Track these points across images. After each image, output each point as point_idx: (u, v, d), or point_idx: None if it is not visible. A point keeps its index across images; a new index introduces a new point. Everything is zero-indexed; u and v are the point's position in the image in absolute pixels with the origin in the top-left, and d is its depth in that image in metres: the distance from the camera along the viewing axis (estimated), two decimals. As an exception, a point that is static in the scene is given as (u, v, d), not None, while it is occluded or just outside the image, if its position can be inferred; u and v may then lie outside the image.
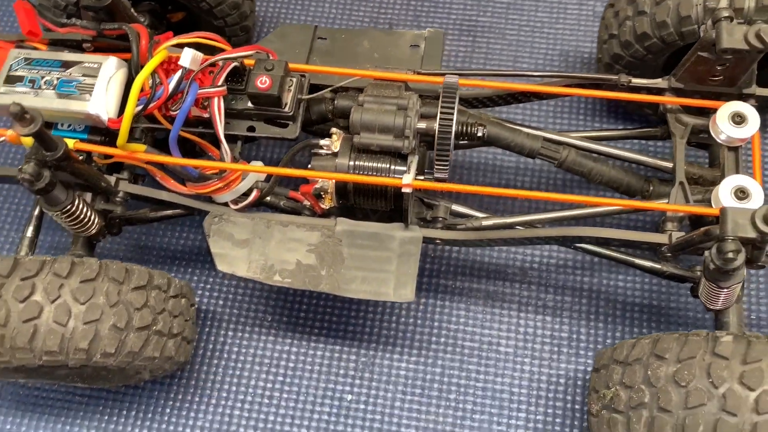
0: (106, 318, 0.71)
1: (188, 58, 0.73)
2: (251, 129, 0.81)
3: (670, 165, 0.80)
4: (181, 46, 0.76)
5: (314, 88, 0.82)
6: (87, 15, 0.79)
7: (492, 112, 0.98)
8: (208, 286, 0.97)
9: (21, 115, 0.63)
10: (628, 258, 0.80)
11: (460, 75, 0.81)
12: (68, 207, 0.74)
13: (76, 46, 0.83)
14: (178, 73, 0.73)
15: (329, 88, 0.82)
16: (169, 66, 0.76)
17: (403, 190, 0.73)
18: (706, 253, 0.67)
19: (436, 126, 0.73)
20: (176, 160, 0.75)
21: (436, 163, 0.73)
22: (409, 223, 0.78)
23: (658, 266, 0.80)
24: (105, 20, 0.79)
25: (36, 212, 0.84)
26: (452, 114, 0.72)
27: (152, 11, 0.95)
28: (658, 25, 0.83)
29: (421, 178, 0.77)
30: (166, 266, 0.98)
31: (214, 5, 0.93)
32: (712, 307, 0.74)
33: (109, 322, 0.71)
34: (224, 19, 0.96)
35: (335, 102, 0.83)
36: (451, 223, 0.81)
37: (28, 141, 0.71)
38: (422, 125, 0.74)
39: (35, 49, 0.84)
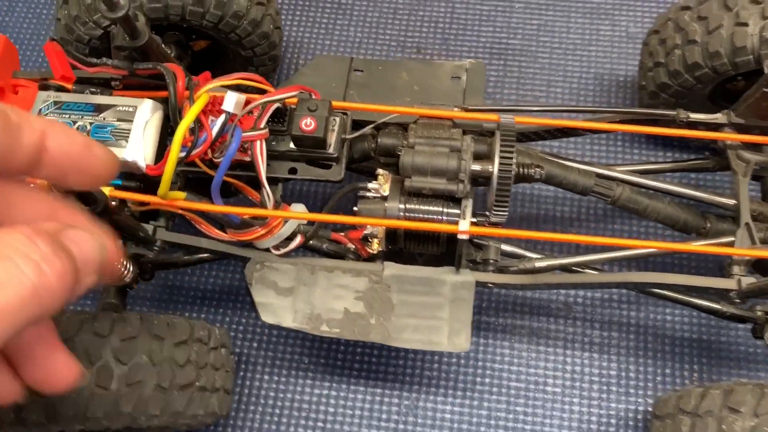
0: (150, 378, 0.68)
1: (232, 102, 0.69)
2: (293, 171, 0.77)
3: (730, 202, 0.77)
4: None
5: (355, 124, 0.79)
6: (118, 54, 0.75)
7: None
8: (241, 327, 0.94)
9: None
10: (688, 299, 0.77)
11: (509, 111, 0.78)
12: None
13: (104, 84, 0.79)
14: (222, 118, 0.69)
15: (372, 125, 0.78)
16: (208, 108, 0.72)
17: (459, 236, 0.70)
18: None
19: (494, 169, 0.69)
20: (219, 208, 0.71)
21: (495, 207, 0.70)
22: (460, 267, 0.75)
23: (717, 306, 0.77)
24: (137, 59, 0.75)
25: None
26: (512, 157, 0.68)
27: (178, 42, 0.91)
28: (711, 55, 0.80)
29: (474, 220, 0.73)
30: (196, 307, 0.94)
31: (243, 36, 0.89)
32: (778, 351, 0.72)
33: (152, 383, 0.68)
34: (253, 49, 0.92)
35: (378, 139, 0.79)
36: (503, 265, 0.78)
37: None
38: (477, 167, 0.71)
39: (62, 88, 0.79)
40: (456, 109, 0.78)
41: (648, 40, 0.91)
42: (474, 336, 0.92)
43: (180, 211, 0.74)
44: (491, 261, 0.78)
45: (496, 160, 0.69)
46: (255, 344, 0.92)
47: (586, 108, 0.77)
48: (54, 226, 0.35)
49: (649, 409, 0.87)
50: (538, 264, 0.78)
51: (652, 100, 0.90)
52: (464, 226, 0.69)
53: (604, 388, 0.89)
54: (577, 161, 0.81)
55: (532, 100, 1.04)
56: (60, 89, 0.80)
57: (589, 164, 0.82)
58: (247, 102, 0.71)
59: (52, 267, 0.33)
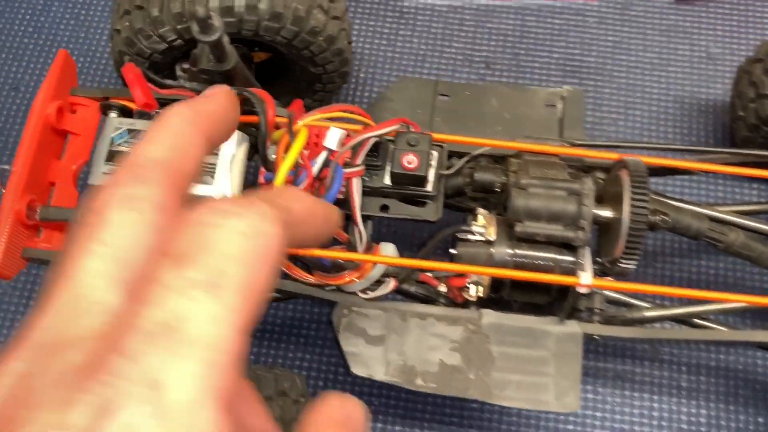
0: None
1: (335, 139, 0.62)
2: (385, 208, 0.70)
3: None
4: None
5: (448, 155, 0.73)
6: (198, 76, 0.68)
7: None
8: (305, 364, 0.87)
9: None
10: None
11: (613, 148, 0.72)
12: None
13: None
14: (323, 156, 0.62)
15: (467, 159, 0.72)
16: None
17: (579, 290, 0.64)
18: None
19: (624, 215, 0.63)
20: (314, 251, 0.65)
21: (624, 258, 0.64)
22: (569, 315, 0.69)
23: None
24: (217, 81, 0.68)
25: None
26: (646, 203, 0.62)
27: (243, 56, 0.84)
28: (831, 89, 0.74)
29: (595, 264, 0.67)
30: (256, 341, 0.88)
31: (317, 53, 0.82)
32: None
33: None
34: (324, 66, 0.85)
35: (474, 175, 0.73)
36: (610, 315, 0.72)
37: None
38: (602, 213, 0.65)
39: (126, 109, 0.72)
40: (563, 143, 0.71)
41: (748, 68, 0.85)
42: (554, 378, 0.86)
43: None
44: (596, 310, 0.72)
45: (627, 206, 0.63)
46: (321, 383, 0.86)
47: (696, 148, 0.71)
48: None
49: (743, 460, 0.82)
50: (648, 314, 0.72)
51: (750, 133, 0.84)
52: (586, 279, 0.63)
53: (694, 437, 0.84)
54: (685, 201, 0.75)
55: (611, 122, 0.98)
56: (124, 111, 0.73)
57: (694, 203, 0.76)
58: (349, 141, 0.65)
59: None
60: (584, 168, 0.74)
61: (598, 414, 0.85)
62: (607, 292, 0.74)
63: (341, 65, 0.86)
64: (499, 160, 0.75)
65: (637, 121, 0.99)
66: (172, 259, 0.24)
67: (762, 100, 0.81)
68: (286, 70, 0.90)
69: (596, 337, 0.71)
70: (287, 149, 0.63)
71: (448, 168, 0.71)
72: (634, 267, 0.64)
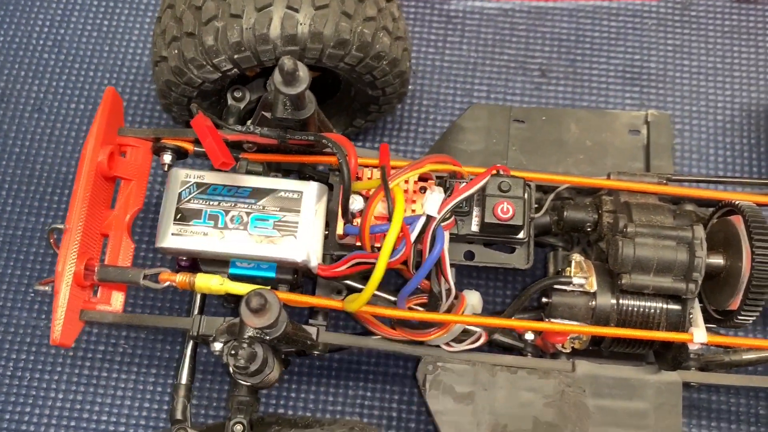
0: None
1: (436, 205, 0.57)
2: (470, 255, 0.65)
3: None
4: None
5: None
6: (270, 122, 0.62)
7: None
8: (375, 413, 0.83)
9: (262, 307, 0.47)
10: None
11: (729, 183, 0.67)
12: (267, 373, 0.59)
13: (234, 146, 0.66)
14: (421, 221, 0.57)
15: (553, 196, 0.67)
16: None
17: (692, 347, 0.60)
18: None
19: (744, 268, 0.58)
20: (405, 314, 0.60)
21: (743, 311, 0.59)
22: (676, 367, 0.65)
23: None
24: (293, 128, 0.61)
25: (189, 350, 0.67)
26: None
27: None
28: None
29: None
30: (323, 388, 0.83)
31: (380, 76, 0.75)
32: None
33: None
34: (384, 89, 0.78)
35: (564, 213, 0.68)
36: (707, 360, 0.68)
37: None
38: (714, 261, 0.60)
39: (182, 150, 0.66)
40: (660, 180, 0.66)
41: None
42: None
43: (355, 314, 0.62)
44: (693, 355, 0.68)
45: (747, 258, 0.58)
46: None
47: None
48: None
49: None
50: (747, 356, 0.68)
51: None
52: (700, 337, 0.59)
53: (774, 467, 0.81)
54: None
55: (675, 134, 0.93)
56: (179, 152, 0.67)
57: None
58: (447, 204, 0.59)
59: None
60: (674, 201, 0.69)
61: (676, 447, 0.82)
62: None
63: (401, 86, 0.80)
64: (582, 193, 0.70)
65: (702, 132, 0.94)
66: None
67: None
68: (339, 90, 0.84)
69: (694, 385, 0.68)
70: (374, 201, 0.58)
71: (538, 207, 0.66)
72: (752, 320, 0.60)
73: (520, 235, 0.63)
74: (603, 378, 0.66)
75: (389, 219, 0.57)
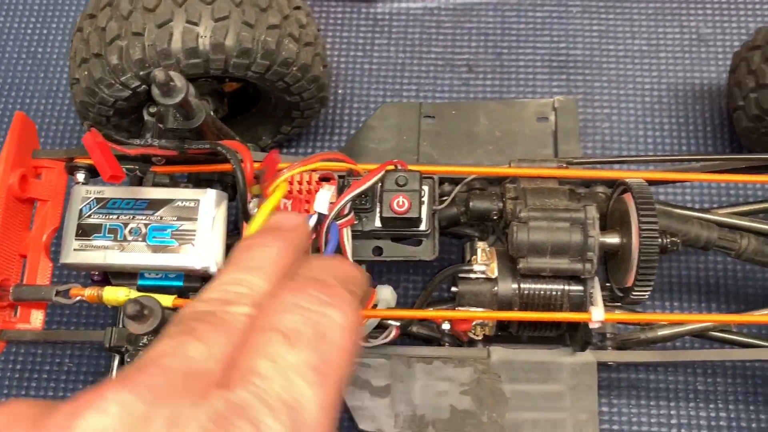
0: None
1: (325, 203, 0.58)
2: (378, 251, 0.67)
3: None
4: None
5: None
6: (165, 134, 0.63)
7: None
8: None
9: (139, 314, 0.48)
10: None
11: (626, 163, 0.68)
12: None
13: (144, 160, 0.67)
14: (312, 220, 0.58)
15: (459, 188, 0.68)
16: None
17: (592, 326, 0.61)
18: None
19: (633, 242, 0.59)
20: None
21: (637, 287, 0.60)
22: (584, 348, 0.66)
23: None
24: (189, 138, 0.63)
25: (116, 363, 0.69)
26: (656, 229, 0.59)
27: (212, 92, 0.79)
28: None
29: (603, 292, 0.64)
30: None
31: (292, 83, 0.77)
32: None
33: None
34: (301, 94, 0.80)
35: (470, 203, 0.69)
36: (624, 338, 0.69)
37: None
38: (612, 240, 0.61)
39: (92, 166, 0.68)
40: (560, 164, 0.67)
41: (746, 55, 0.81)
42: (568, 394, 0.83)
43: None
44: (609, 335, 0.69)
45: (635, 234, 0.59)
46: None
47: (702, 157, 0.68)
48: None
49: (767, 462, 0.80)
50: (662, 333, 0.69)
51: (752, 123, 0.81)
52: (598, 315, 0.60)
53: (716, 442, 0.82)
54: (692, 209, 0.72)
55: (604, 118, 0.94)
56: (92, 170, 0.68)
57: (705, 210, 0.72)
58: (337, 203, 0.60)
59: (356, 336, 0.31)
60: (586, 184, 0.70)
61: (615, 427, 0.82)
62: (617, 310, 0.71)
63: (318, 91, 0.82)
64: (494, 182, 0.71)
65: (631, 115, 0.94)
66: (284, 337, 0.28)
67: (763, 90, 0.77)
68: (261, 100, 0.86)
69: (611, 364, 0.68)
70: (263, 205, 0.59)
71: (441, 199, 0.67)
72: (647, 296, 0.61)
73: (422, 228, 0.65)
74: (518, 363, 0.67)
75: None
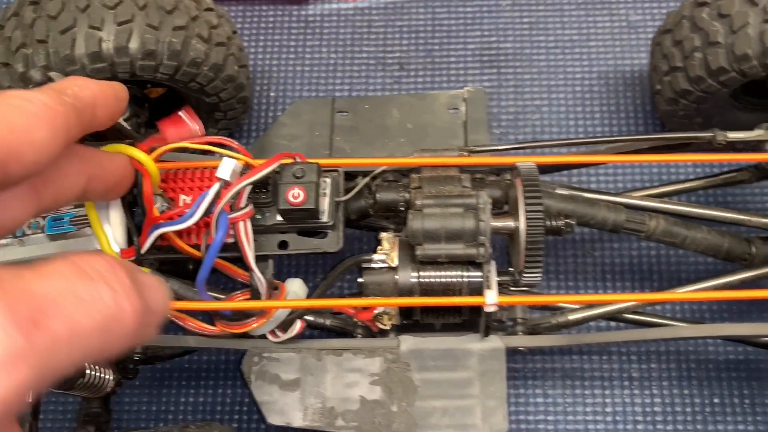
0: None
1: (228, 170, 0.58)
2: (283, 245, 0.67)
3: (777, 223, 0.68)
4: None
5: (346, 176, 0.69)
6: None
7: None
8: (245, 408, 0.84)
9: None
10: (740, 339, 0.69)
11: (520, 149, 0.68)
12: (81, 381, 0.60)
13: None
14: (214, 189, 0.58)
15: (365, 181, 0.68)
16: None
17: (487, 309, 0.61)
18: None
19: (520, 226, 0.60)
20: (209, 305, 0.61)
21: (527, 269, 0.60)
22: (486, 333, 0.66)
23: (775, 341, 0.69)
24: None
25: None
26: (540, 211, 0.59)
27: (133, 98, 0.80)
28: (738, 58, 0.70)
29: (499, 279, 0.64)
30: (192, 390, 0.84)
31: (205, 83, 0.78)
32: None
33: None
34: (218, 95, 0.81)
35: (376, 195, 0.69)
36: (534, 322, 0.69)
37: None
38: (500, 224, 0.61)
39: None
40: (463, 154, 0.68)
41: (659, 39, 0.81)
42: (501, 386, 0.83)
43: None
44: (519, 320, 0.69)
45: (522, 217, 0.59)
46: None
47: (607, 138, 0.67)
48: (131, 265, 0.33)
49: (702, 446, 0.79)
50: (572, 317, 0.69)
51: (670, 107, 0.81)
52: (491, 298, 0.60)
53: (650, 427, 0.81)
54: (598, 191, 0.71)
55: (534, 110, 0.94)
56: None
57: (614, 194, 0.72)
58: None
59: (130, 303, 0.31)
60: (496, 172, 0.70)
61: (550, 417, 0.82)
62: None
63: (237, 91, 0.82)
64: (407, 174, 0.72)
65: (561, 105, 0.94)
66: None
67: (676, 73, 0.77)
68: (184, 103, 0.86)
69: (522, 349, 0.68)
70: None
71: (347, 192, 0.67)
72: (539, 278, 0.60)
73: (324, 219, 0.65)
74: (427, 351, 0.66)
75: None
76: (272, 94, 0.97)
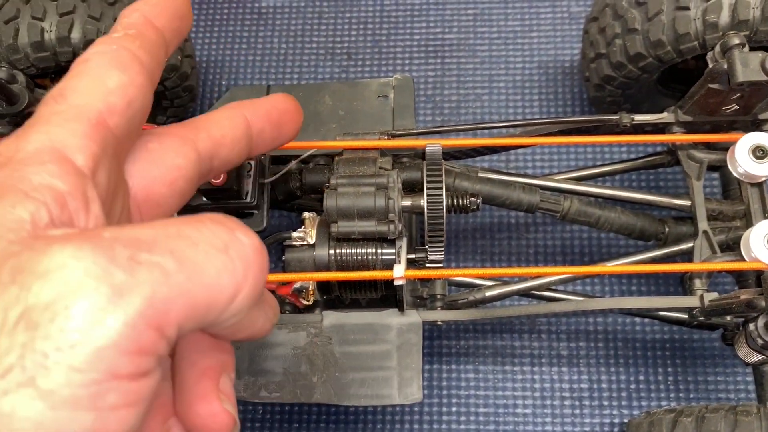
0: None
1: None
2: (212, 224, 0.70)
3: (686, 203, 0.71)
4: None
5: (276, 160, 0.72)
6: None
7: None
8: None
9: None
10: (655, 314, 0.72)
11: (440, 133, 0.72)
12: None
13: (-5, 148, 0.72)
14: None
15: (292, 164, 0.72)
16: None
17: (396, 283, 0.64)
18: (751, 326, 0.59)
19: (424, 203, 0.63)
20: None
21: (429, 245, 0.64)
22: (404, 308, 0.69)
23: (684, 317, 0.72)
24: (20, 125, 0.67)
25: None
26: (441, 191, 0.62)
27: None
28: (653, 44, 0.73)
29: (413, 256, 0.67)
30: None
31: (149, 72, 0.81)
32: (750, 362, 0.67)
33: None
34: (163, 83, 0.84)
35: (303, 177, 0.73)
36: (452, 299, 0.72)
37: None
38: (407, 203, 0.65)
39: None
40: (383, 137, 0.71)
41: (588, 27, 0.84)
42: (436, 363, 0.87)
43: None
44: (438, 296, 0.72)
45: (425, 195, 0.63)
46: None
47: (521, 122, 0.70)
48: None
49: (625, 421, 0.82)
50: (489, 293, 0.72)
51: (598, 93, 0.84)
52: (399, 272, 0.63)
53: (576, 403, 0.84)
54: (521, 175, 0.75)
55: (475, 98, 0.98)
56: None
57: (534, 177, 0.76)
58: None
59: (259, 279, 0.31)
60: (420, 155, 0.74)
61: (481, 393, 0.85)
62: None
63: (181, 80, 0.86)
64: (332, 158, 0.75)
65: (501, 94, 0.98)
66: None
67: (600, 60, 0.80)
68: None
69: (440, 323, 0.71)
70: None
71: (273, 174, 0.71)
72: (441, 255, 0.64)
73: (248, 200, 0.68)
74: (348, 326, 0.70)
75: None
76: (224, 82, 1.01)
